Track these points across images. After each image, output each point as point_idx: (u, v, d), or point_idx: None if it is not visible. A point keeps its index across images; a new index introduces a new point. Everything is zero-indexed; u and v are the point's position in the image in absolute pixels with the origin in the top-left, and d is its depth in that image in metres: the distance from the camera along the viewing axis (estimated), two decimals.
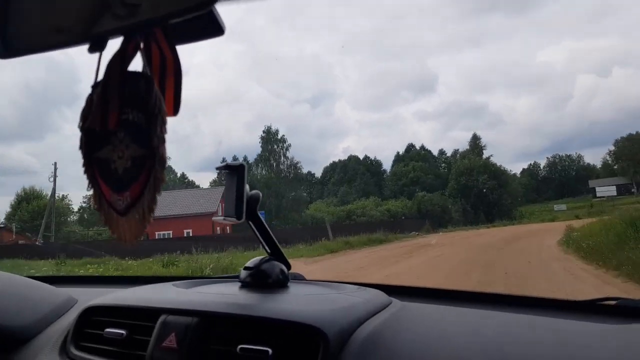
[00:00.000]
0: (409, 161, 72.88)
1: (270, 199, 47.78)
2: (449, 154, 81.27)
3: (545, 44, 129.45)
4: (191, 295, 0.96)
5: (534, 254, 13.41)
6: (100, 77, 0.61)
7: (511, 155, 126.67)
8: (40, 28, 0.62)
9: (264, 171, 53.22)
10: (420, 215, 54.28)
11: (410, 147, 80.00)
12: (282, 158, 52.57)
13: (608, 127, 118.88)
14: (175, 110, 0.61)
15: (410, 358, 0.73)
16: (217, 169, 0.99)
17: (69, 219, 49.99)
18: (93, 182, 0.64)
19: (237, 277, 1.04)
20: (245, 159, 52.70)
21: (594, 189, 72.65)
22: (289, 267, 1.04)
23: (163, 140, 0.57)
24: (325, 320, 0.75)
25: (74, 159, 0.64)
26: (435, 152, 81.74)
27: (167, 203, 34.20)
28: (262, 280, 0.99)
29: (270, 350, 0.72)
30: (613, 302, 0.97)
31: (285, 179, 52.39)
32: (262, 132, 54.52)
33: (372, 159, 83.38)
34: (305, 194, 50.60)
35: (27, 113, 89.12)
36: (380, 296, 0.98)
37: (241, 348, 0.74)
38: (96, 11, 0.55)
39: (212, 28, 0.60)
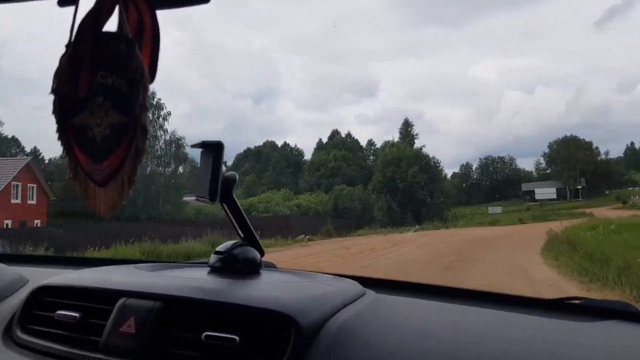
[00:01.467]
0: (332, 149, 62.59)
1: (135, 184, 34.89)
2: (378, 145, 72.05)
3: (478, 59, 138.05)
4: (154, 278, 0.90)
5: None
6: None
7: (444, 163, 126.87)
8: None
9: None
10: (337, 212, 44.17)
11: (334, 134, 69.70)
12: (159, 131, 39.69)
13: (530, 141, 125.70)
14: (151, 78, 0.58)
15: (384, 349, 0.71)
16: (192, 146, 0.92)
17: None
18: (68, 150, 0.60)
19: (207, 263, 0.98)
20: None
21: (532, 192, 66.27)
22: (262, 253, 0.99)
23: (145, 108, 0.55)
24: (297, 308, 0.72)
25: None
26: (363, 143, 72.75)
27: None
28: (233, 266, 0.94)
29: (237, 338, 0.69)
30: (578, 302, 1.01)
31: (160, 159, 39.81)
32: None
33: (293, 146, 72.57)
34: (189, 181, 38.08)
35: None
36: (355, 286, 0.95)
37: (206, 335, 0.70)
38: None
39: None
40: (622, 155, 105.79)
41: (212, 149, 0.84)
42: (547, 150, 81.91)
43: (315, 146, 69.19)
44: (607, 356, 0.75)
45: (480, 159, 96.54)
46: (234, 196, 0.93)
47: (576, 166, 71.25)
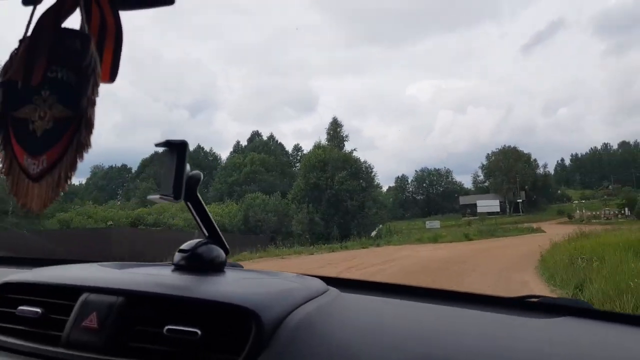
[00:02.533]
0: (250, 152, 53.41)
1: None
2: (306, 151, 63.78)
3: (415, 79, 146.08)
4: (117, 274, 0.91)
5: None
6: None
7: (381, 179, 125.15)
8: None
9: None
10: (247, 226, 35.28)
11: (254, 135, 60.53)
12: None
13: (464, 158, 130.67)
14: (112, 77, 0.59)
15: (343, 344, 0.73)
16: (156, 145, 0.91)
17: None
18: (5, 143, 0.59)
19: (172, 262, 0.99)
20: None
21: (470, 205, 60.70)
22: (227, 252, 0.99)
23: (93, 103, 0.55)
24: (259, 302, 0.73)
25: None
26: (289, 147, 64.12)
27: None
28: (197, 264, 0.94)
29: (199, 332, 0.70)
30: (536, 300, 1.05)
31: None
32: None
33: (208, 150, 62.52)
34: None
35: None
36: (318, 284, 0.96)
37: (168, 329, 0.71)
38: None
39: None
40: (551, 172, 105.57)
41: (176, 148, 0.84)
42: (485, 162, 77.64)
43: (231, 149, 59.74)
44: (558, 349, 0.76)
45: (416, 171, 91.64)
46: (198, 195, 0.92)
47: (516, 178, 67.12)
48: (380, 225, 38.93)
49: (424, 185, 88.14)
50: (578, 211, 55.52)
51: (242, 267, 1.20)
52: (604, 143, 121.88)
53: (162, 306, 0.75)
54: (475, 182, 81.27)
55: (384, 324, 0.82)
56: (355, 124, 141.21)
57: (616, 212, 50.21)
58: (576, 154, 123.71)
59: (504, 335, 0.82)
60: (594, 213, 52.13)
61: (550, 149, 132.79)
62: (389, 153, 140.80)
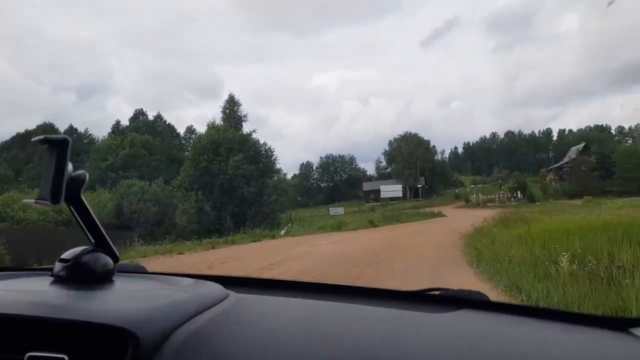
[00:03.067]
0: (132, 133, 46.37)
1: None
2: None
3: (321, 68, 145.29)
4: None
5: None
6: None
7: (287, 168, 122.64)
8: None
9: None
10: (120, 219, 29.57)
11: (138, 114, 52.90)
12: None
13: (368, 148, 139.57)
14: None
15: (236, 356, 0.69)
16: (33, 141, 0.81)
17: None
18: None
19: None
20: None
21: (374, 191, 59.52)
22: (116, 259, 0.91)
23: None
24: (137, 320, 0.67)
25: None
26: (182, 130, 57.56)
27: None
28: (80, 275, 0.85)
29: (66, 357, 0.64)
30: (437, 292, 1.04)
31: None
32: None
33: (82, 132, 53.83)
34: None
35: None
36: (216, 290, 0.91)
37: (30, 356, 0.64)
38: None
39: None
40: (446, 159, 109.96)
41: (56, 145, 0.75)
42: (387, 148, 77.55)
43: (110, 130, 51.80)
44: (454, 343, 0.78)
45: (321, 157, 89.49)
46: (83, 198, 0.83)
47: (416, 164, 67.57)
48: (290, 224, 35.31)
49: (329, 172, 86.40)
50: (474, 195, 56.91)
51: (143, 269, 1.13)
52: (492, 132, 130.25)
53: (26, 329, 0.67)
54: (377, 168, 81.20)
55: (286, 327, 0.80)
56: (262, 112, 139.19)
57: (509, 195, 51.90)
58: (468, 143, 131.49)
59: (402, 331, 0.81)
60: (489, 197, 53.54)
61: (445, 138, 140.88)
62: (296, 142, 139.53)
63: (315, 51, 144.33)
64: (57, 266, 0.85)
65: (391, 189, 46.52)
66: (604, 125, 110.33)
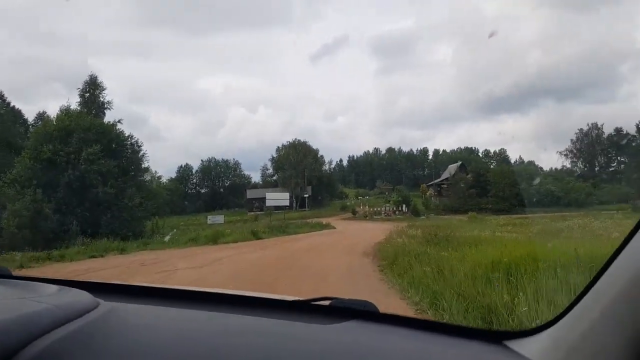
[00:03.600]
0: None
1: None
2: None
3: (208, 72, 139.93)
4: None
5: None
6: None
7: (167, 173, 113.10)
8: None
9: None
10: None
11: None
12: None
13: (254, 156, 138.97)
14: None
15: None
16: None
17: None
18: None
19: None
20: None
21: (258, 199, 55.44)
22: None
23: None
24: None
25: None
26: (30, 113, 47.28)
27: None
28: None
29: None
30: (327, 302, 1.01)
31: None
32: None
33: None
34: None
35: None
36: (83, 299, 0.84)
37: None
38: None
39: None
40: (333, 170, 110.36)
41: None
42: (275, 155, 74.02)
43: None
44: (340, 355, 0.77)
45: (202, 161, 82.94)
46: None
47: (304, 173, 65.19)
48: (175, 230, 29.79)
49: (211, 176, 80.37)
50: (362, 207, 55.89)
51: (6, 271, 1.03)
52: (375, 148, 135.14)
53: None
54: (264, 175, 77.35)
55: (156, 342, 0.73)
56: (141, 111, 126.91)
57: (394, 208, 51.63)
58: (353, 156, 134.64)
59: (284, 343, 0.78)
60: (375, 209, 52.80)
61: (331, 151, 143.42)
62: (178, 146, 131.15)
63: (203, 53, 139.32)
64: None
65: (277, 197, 42.95)
66: (473, 148, 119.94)
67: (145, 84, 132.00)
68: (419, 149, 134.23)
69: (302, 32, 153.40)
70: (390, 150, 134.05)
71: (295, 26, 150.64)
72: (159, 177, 75.23)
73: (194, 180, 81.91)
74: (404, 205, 51.51)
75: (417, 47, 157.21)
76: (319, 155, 72.19)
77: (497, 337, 0.91)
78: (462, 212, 53.09)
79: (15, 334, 0.61)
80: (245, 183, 80.00)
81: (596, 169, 79.50)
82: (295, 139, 71.42)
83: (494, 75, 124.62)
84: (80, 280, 0.98)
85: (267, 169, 76.39)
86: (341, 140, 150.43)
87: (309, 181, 66.75)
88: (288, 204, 44.03)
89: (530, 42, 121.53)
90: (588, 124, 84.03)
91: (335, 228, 35.09)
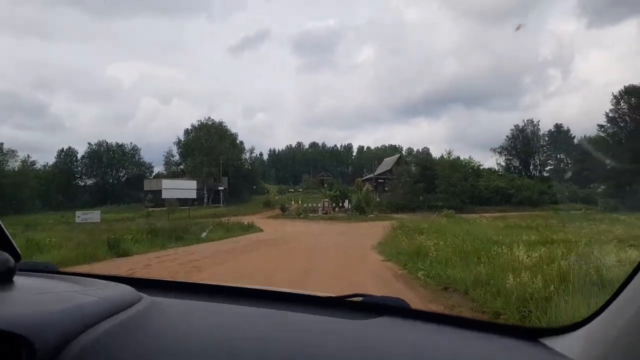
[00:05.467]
0: None
1: None
2: None
3: (118, 59, 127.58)
4: None
5: None
6: None
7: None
8: None
9: None
10: None
11: None
12: None
13: (164, 149, 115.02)
14: None
15: None
16: None
17: None
18: None
19: None
20: None
21: (158, 191, 42.30)
22: (18, 257, 0.88)
23: None
24: (34, 325, 0.62)
25: None
26: None
27: None
28: None
29: None
30: (359, 299, 1.03)
31: None
32: None
33: None
34: None
35: None
36: (127, 293, 0.88)
37: None
38: None
39: None
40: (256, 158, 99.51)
41: None
42: (182, 138, 59.91)
43: None
44: (371, 351, 0.78)
45: (89, 144, 66.85)
46: None
47: (219, 160, 52.94)
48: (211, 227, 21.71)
49: (102, 164, 64.78)
50: (294, 203, 45.24)
51: (53, 267, 1.09)
52: (298, 142, 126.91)
53: None
54: (167, 163, 62.18)
55: (195, 335, 0.75)
56: (41, 97, 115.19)
57: (333, 205, 41.69)
58: (274, 150, 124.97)
59: (319, 337, 0.81)
60: (310, 205, 42.46)
61: (247, 147, 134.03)
62: (81, 138, 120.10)
63: (114, 37, 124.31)
64: None
65: (179, 187, 30.93)
66: (397, 146, 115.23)
67: (47, 66, 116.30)
68: (344, 145, 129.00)
69: (222, 22, 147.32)
70: (314, 145, 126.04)
71: (214, 15, 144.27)
72: (32, 163, 59.01)
73: (79, 168, 65.89)
74: (346, 201, 41.70)
75: (340, 47, 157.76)
76: (237, 141, 60.00)
77: (531, 333, 0.89)
78: (408, 209, 44.72)
79: (70, 323, 0.64)
80: (145, 173, 65.60)
81: (533, 166, 76.29)
82: (209, 117, 58.63)
83: (412, 80, 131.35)
84: (123, 275, 1.02)
85: (172, 156, 61.72)
86: (260, 137, 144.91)
87: (224, 171, 54.64)
88: (195, 197, 32.07)
89: (446, 50, 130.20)
90: (523, 120, 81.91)
91: (262, 231, 24.21)
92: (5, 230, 0.86)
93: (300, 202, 45.42)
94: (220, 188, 51.85)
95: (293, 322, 0.88)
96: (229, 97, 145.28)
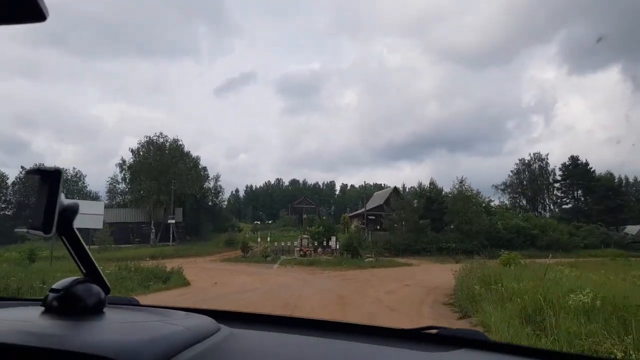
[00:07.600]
0: None
1: None
2: None
3: (102, 98, 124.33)
4: None
5: None
6: None
7: None
8: None
9: None
10: None
11: None
12: None
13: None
14: None
15: None
16: (27, 173, 0.83)
17: None
18: None
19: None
20: None
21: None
22: (107, 290, 0.92)
23: None
24: (126, 351, 0.66)
25: None
26: None
27: None
28: (71, 305, 0.85)
29: None
30: (435, 331, 1.04)
31: None
32: None
33: None
34: None
35: None
36: (208, 323, 0.92)
37: None
38: None
39: (31, 11, 0.56)
40: (225, 203, 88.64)
41: (48, 176, 0.77)
42: (129, 160, 47.63)
43: None
44: None
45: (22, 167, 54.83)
46: (74, 228, 0.85)
47: (171, 186, 41.74)
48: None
49: (24, 189, 52.60)
50: (260, 241, 34.15)
51: (136, 302, 1.16)
52: (277, 178, 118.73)
53: (17, 359, 0.65)
54: (111, 191, 49.15)
55: None
56: (23, 135, 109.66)
57: (315, 244, 30.87)
58: (250, 186, 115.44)
59: None
60: (284, 245, 31.51)
61: (230, 187, 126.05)
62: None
63: (98, 78, 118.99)
64: (49, 296, 0.83)
65: (85, 211, 19.74)
66: (382, 184, 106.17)
67: (32, 104, 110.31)
68: (326, 182, 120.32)
69: (208, 64, 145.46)
70: (294, 182, 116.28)
71: (200, 58, 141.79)
72: None
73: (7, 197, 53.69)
74: (332, 239, 30.92)
75: (323, 90, 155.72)
76: (198, 163, 48.30)
77: None
78: (412, 252, 34.32)
79: (157, 350, 0.68)
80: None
81: (541, 205, 67.05)
82: (160, 132, 47.27)
83: (395, 123, 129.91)
84: (201, 308, 1.06)
85: (117, 182, 48.58)
86: (243, 177, 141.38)
87: (180, 201, 43.41)
88: (101, 227, 20.89)
89: (429, 95, 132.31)
90: (530, 154, 73.74)
91: (188, 285, 13.52)
92: (96, 264, 0.88)
93: (268, 240, 34.36)
94: (171, 222, 40.54)
95: (369, 354, 0.87)
96: (212, 137, 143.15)
